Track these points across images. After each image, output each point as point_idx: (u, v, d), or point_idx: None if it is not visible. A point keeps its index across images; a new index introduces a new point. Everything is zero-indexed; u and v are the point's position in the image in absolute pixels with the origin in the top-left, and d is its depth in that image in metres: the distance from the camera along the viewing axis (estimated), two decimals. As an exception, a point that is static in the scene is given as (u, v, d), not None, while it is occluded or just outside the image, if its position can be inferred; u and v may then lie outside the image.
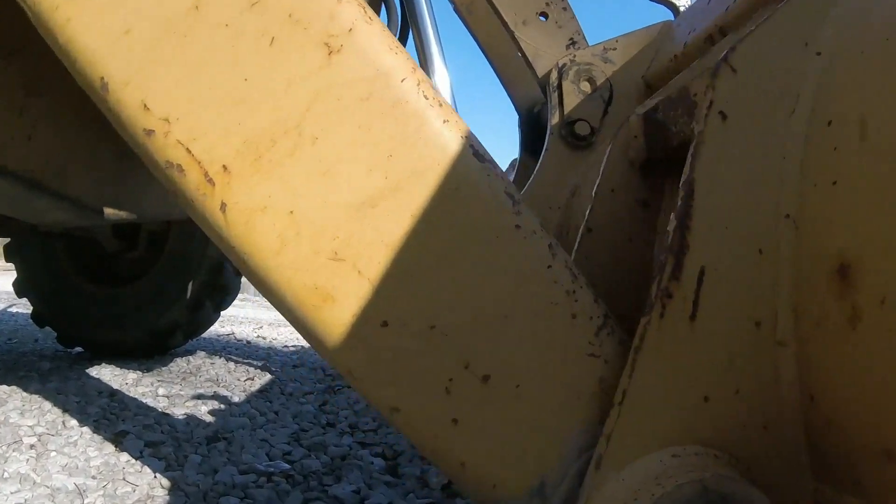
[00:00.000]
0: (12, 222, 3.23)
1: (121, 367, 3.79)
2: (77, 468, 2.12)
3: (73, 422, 2.59)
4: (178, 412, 2.80)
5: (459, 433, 0.90)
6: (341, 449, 2.40)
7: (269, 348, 5.07)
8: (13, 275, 4.40)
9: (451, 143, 0.93)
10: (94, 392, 3.11)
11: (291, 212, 0.86)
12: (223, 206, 0.86)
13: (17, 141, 1.89)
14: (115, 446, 2.33)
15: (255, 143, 0.87)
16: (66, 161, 2.12)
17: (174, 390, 3.22)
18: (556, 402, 0.93)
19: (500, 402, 0.91)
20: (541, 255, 0.98)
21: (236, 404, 3.00)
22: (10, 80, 1.81)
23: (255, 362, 4.21)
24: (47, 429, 2.49)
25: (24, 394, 3.01)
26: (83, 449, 2.30)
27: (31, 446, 2.31)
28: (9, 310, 8.10)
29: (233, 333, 5.89)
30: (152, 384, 3.36)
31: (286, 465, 2.20)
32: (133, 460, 2.20)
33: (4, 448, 2.27)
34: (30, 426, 2.51)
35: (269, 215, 0.85)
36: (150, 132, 0.90)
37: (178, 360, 4.19)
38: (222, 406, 2.95)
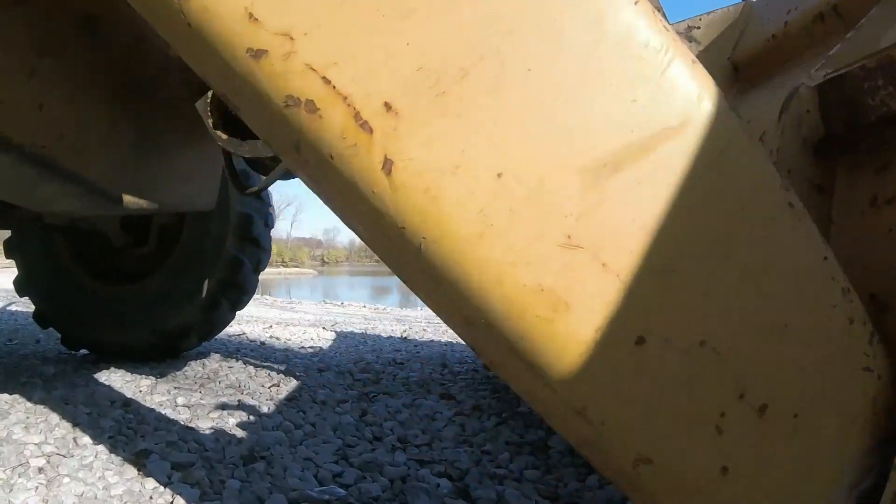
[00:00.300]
0: (14, 212, 2.90)
1: (132, 372, 3.46)
2: (96, 498, 1.81)
3: (86, 438, 2.28)
4: (204, 426, 2.48)
5: (728, 486, 0.64)
6: (398, 469, 2.09)
7: (287, 350, 4.75)
8: (14, 272, 4.07)
9: (708, 91, 0.63)
10: (105, 402, 2.78)
11: (499, 174, 0.54)
12: (387, 164, 0.55)
13: (26, 109, 1.56)
14: (138, 469, 2.01)
15: (436, 72, 0.56)
16: (81, 137, 1.79)
17: (194, 399, 2.90)
18: (831, 432, 0.69)
19: (775, 440, 0.66)
20: (816, 244, 0.69)
21: (266, 415, 2.69)
22: (18, 35, 1.49)
23: (276, 366, 3.89)
24: (57, 447, 2.18)
25: (28, 404, 2.68)
26: (100, 473, 1.99)
27: (40, 470, 1.99)
28: (8, 308, 7.75)
29: (244, 333, 5.56)
30: (169, 392, 3.04)
31: (341, 490, 1.90)
32: (161, 487, 1.89)
33: (9, 473, 1.95)
34: (36, 444, 2.19)
35: (463, 179, 0.54)
36: (258, 54, 0.59)
37: (193, 363, 3.86)
38: (251, 417, 2.63)
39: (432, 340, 5.47)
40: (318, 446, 2.30)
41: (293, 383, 3.39)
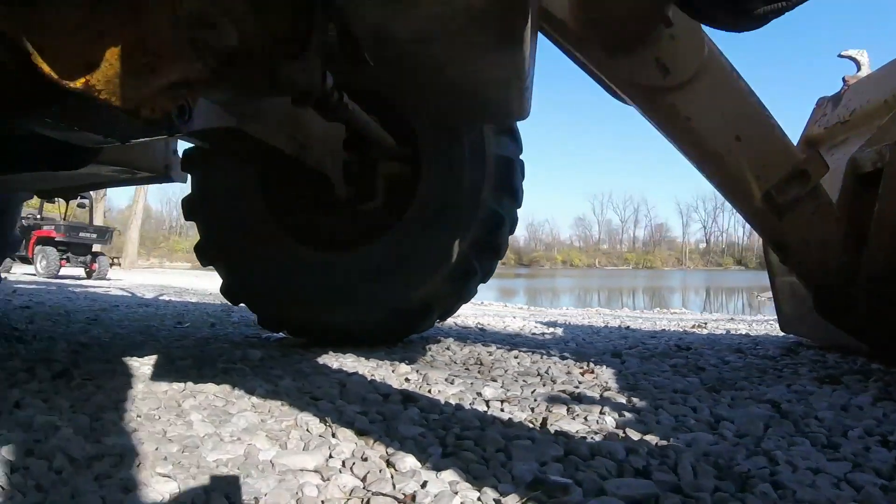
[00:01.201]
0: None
1: (367, 357, 2.63)
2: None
3: (409, 459, 1.38)
4: (571, 428, 1.56)
5: None
6: None
7: (522, 336, 3.85)
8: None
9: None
10: (373, 395, 1.93)
11: None
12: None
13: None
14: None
15: None
16: None
17: (496, 391, 2.01)
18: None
19: None
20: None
21: (649, 412, 1.75)
22: None
23: (547, 351, 2.98)
24: (361, 478, 1.29)
25: (255, 399, 1.86)
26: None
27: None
28: (161, 297, 7.29)
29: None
30: (451, 381, 2.17)
31: None
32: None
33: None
34: (314, 470, 1.31)
35: None
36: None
37: (434, 346, 3.01)
38: (628, 415, 1.71)
39: (661, 330, 4.45)
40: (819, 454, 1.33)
41: (608, 371, 2.46)
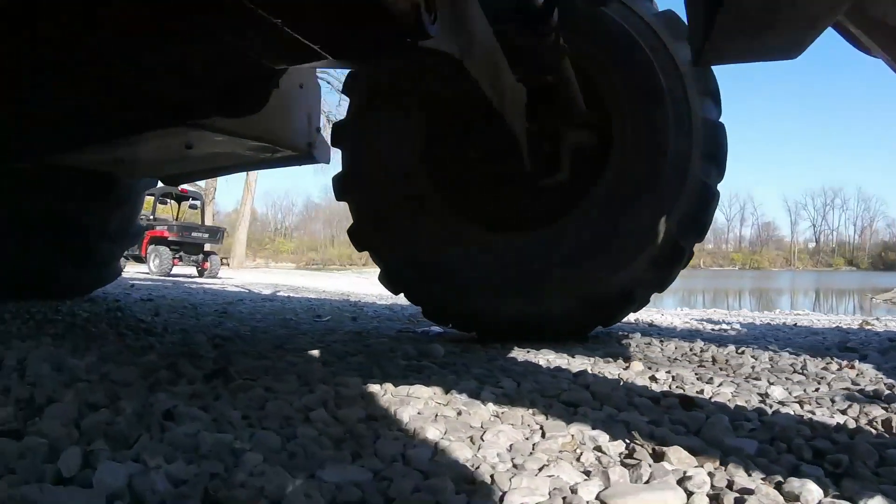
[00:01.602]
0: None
1: (572, 353, 2.28)
2: None
3: (798, 484, 1.00)
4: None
5: None
6: None
7: (695, 329, 3.40)
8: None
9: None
10: (640, 399, 1.56)
11: None
12: None
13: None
14: None
15: None
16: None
17: (778, 391, 1.61)
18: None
19: None
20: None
21: None
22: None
23: (769, 346, 2.54)
24: None
25: (491, 406, 1.49)
26: None
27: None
28: (278, 294, 7.24)
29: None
30: (738, 385, 1.78)
31: None
32: None
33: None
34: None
35: None
36: None
37: (627, 342, 2.63)
38: None
39: (836, 328, 3.89)
40: None
41: (865, 365, 2.02)
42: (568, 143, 2.62)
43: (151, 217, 17.44)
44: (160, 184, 4.53)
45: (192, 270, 17.07)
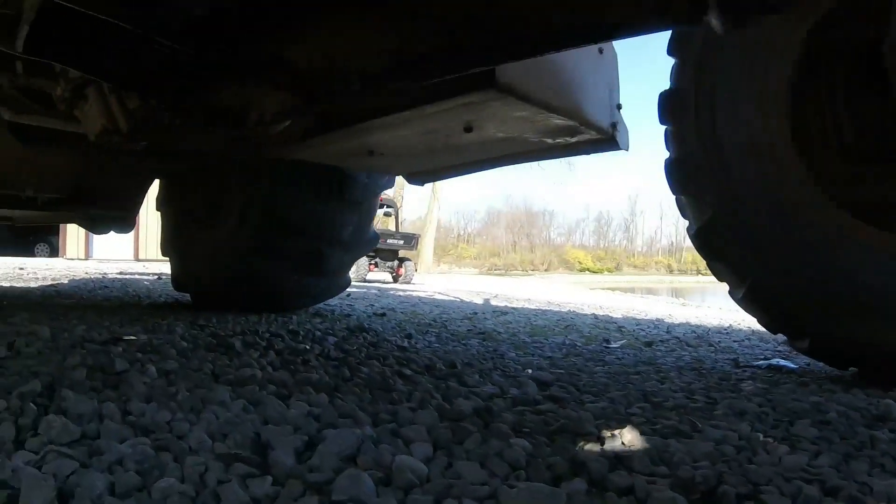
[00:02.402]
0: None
1: None
2: None
3: None
4: None
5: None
6: None
7: None
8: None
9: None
10: None
11: None
12: None
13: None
14: None
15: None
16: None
17: None
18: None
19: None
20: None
21: None
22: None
23: None
24: None
25: None
26: None
27: None
28: (509, 306, 6.61)
29: None
30: None
31: None
32: None
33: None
34: None
35: None
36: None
37: None
38: None
39: None
40: None
41: None
42: None
43: (349, 225, 17.82)
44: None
45: (387, 276, 17.20)
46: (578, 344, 3.18)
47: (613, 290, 17.99)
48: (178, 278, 4.06)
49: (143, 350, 2.11)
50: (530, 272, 49.36)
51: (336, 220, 3.41)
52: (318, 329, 3.05)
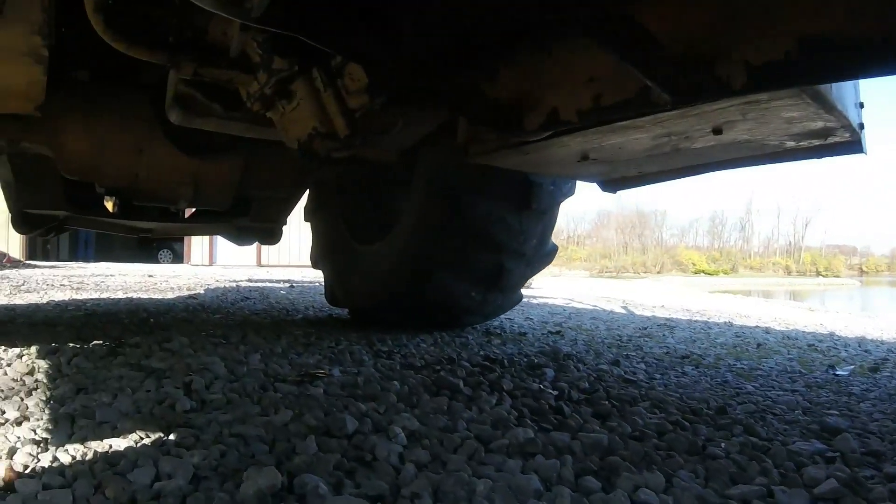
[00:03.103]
0: None
1: None
2: None
3: None
4: None
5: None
6: None
7: None
8: None
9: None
10: None
11: None
12: None
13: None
14: None
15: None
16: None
17: None
18: None
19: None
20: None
21: None
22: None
23: None
24: None
25: None
26: None
27: None
28: (694, 320, 6.05)
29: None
30: None
31: None
32: None
33: None
34: None
35: None
36: None
37: None
38: None
39: None
40: None
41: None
42: None
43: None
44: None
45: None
46: (801, 370, 2.66)
47: (735, 293, 16.84)
48: (334, 292, 3.80)
49: (351, 393, 1.79)
50: (642, 274, 47.59)
51: (521, 231, 3.02)
52: (513, 354, 2.67)
